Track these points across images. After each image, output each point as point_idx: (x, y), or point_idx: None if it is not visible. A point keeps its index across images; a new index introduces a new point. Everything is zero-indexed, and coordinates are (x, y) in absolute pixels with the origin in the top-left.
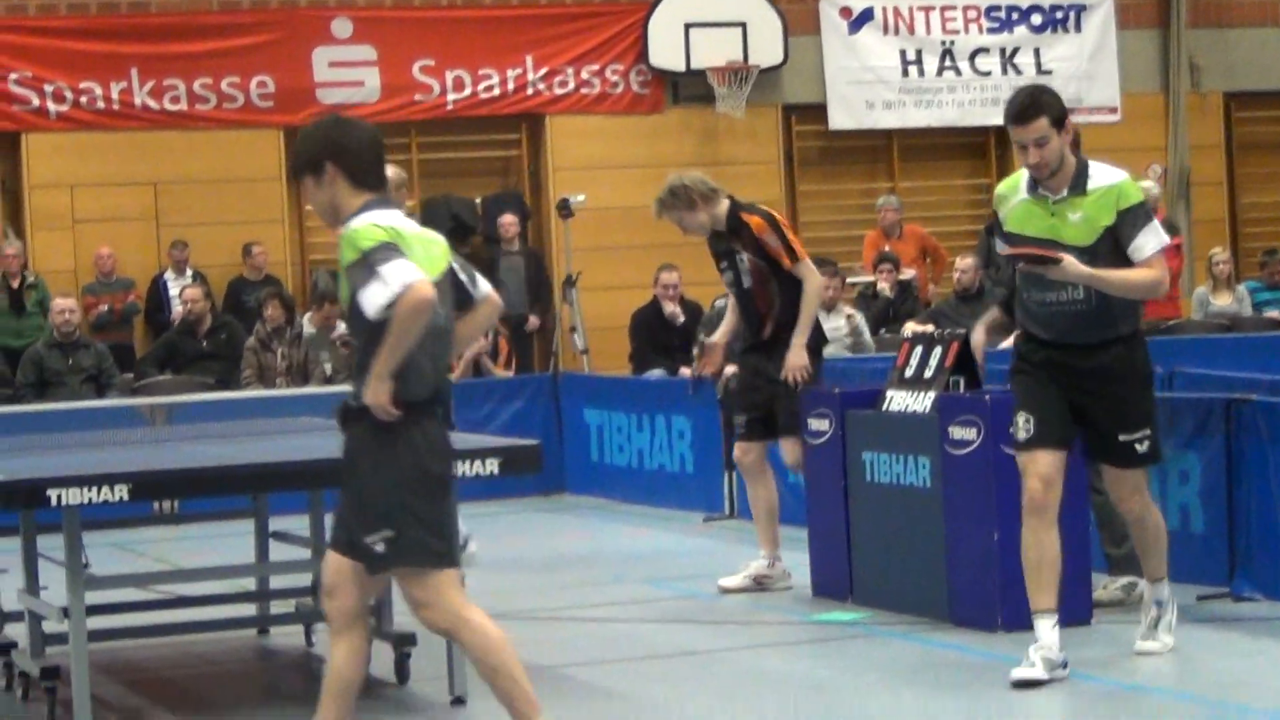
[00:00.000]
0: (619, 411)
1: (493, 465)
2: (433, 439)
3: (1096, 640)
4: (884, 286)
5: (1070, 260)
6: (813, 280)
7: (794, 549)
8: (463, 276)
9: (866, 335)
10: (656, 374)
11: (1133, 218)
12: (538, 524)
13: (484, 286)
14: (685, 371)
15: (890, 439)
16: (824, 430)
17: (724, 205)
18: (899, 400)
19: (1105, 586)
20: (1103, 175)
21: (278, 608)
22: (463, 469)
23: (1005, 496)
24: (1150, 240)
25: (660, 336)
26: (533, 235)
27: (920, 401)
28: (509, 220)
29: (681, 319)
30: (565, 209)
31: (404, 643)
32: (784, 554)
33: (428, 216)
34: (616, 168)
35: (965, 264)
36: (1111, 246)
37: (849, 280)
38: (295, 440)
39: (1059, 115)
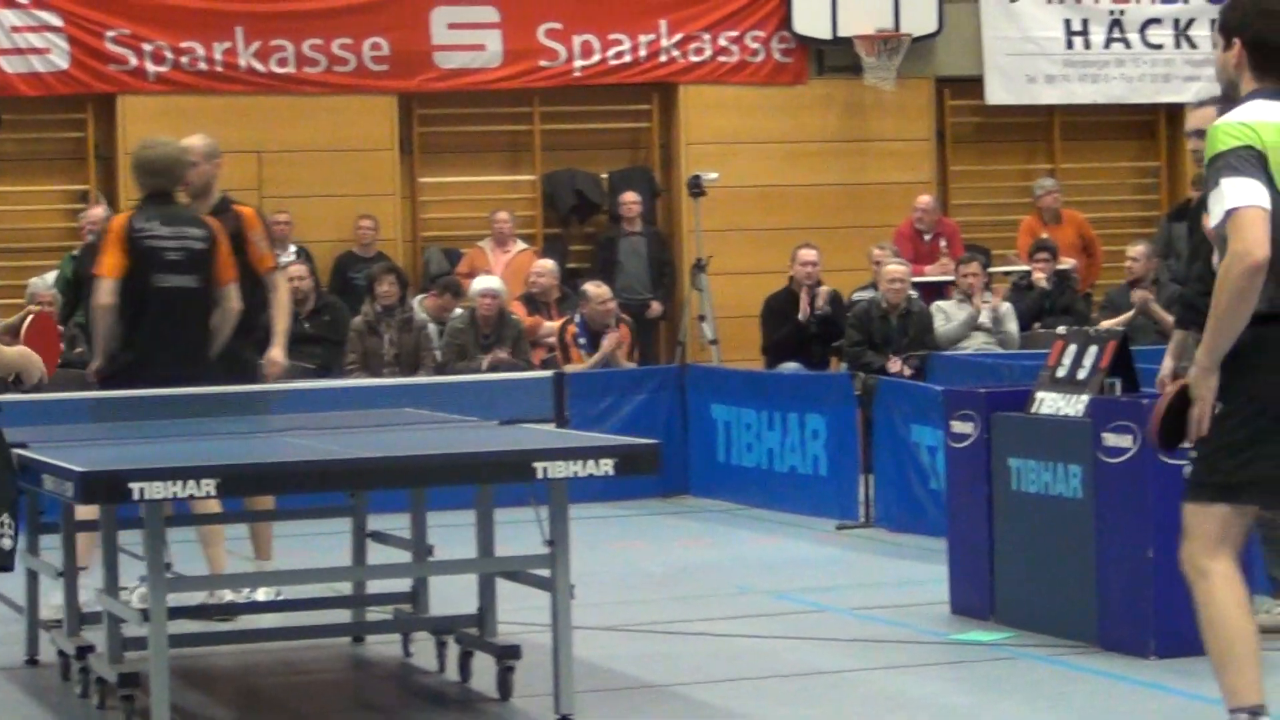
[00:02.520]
0: (748, 408)
1: (607, 466)
2: None
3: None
4: (1040, 277)
5: (1191, 382)
6: (285, 289)
7: (932, 561)
8: None
9: (1011, 325)
10: (790, 367)
11: (1212, 173)
12: (657, 529)
13: None
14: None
15: (1039, 444)
16: (967, 433)
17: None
18: (1049, 402)
19: (1269, 611)
20: None
21: (374, 614)
22: (574, 469)
23: (1162, 510)
24: (1214, 206)
25: (796, 325)
26: (662, 215)
27: (1073, 404)
28: (630, 198)
29: (821, 305)
30: (696, 187)
31: (507, 655)
32: (920, 565)
33: (550, 191)
34: (754, 143)
35: (1137, 251)
36: None
37: (1003, 270)
38: (398, 434)
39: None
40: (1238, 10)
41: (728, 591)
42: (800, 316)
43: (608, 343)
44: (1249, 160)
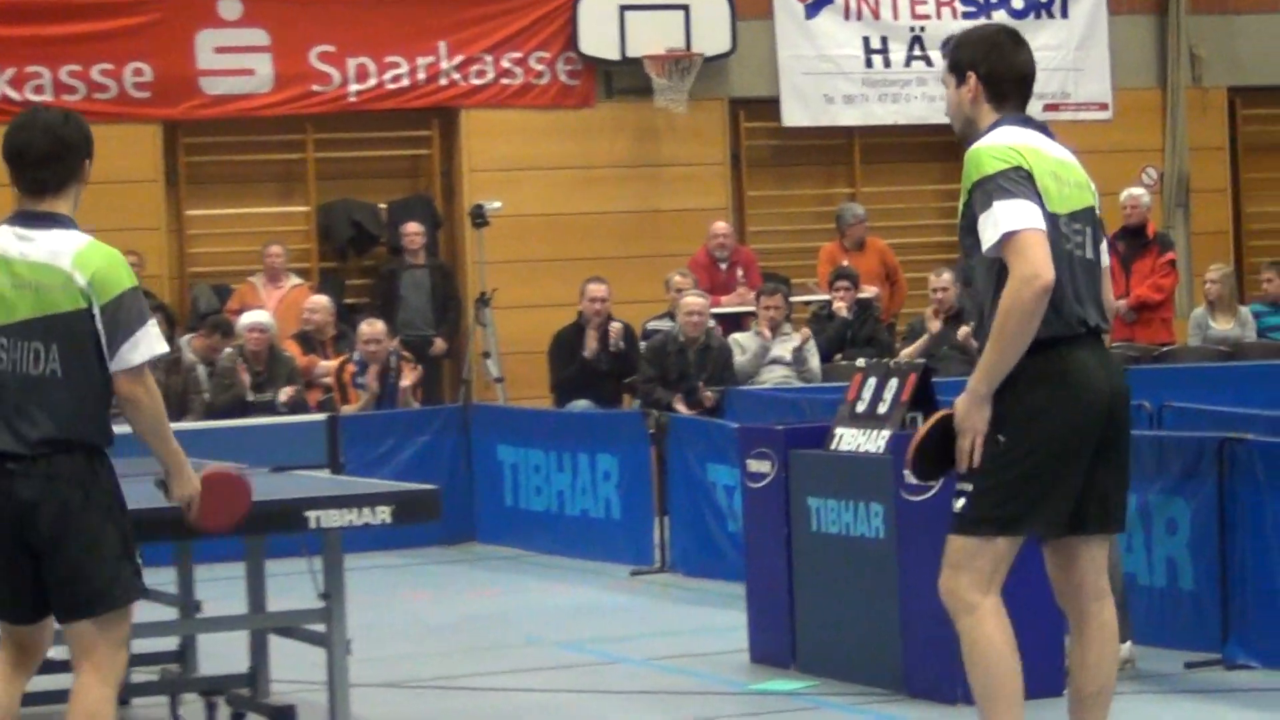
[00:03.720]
0: (536, 448)
1: (384, 513)
2: None
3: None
4: (841, 306)
5: (959, 412)
6: None
7: (731, 608)
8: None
9: (814, 361)
10: (581, 405)
11: (980, 196)
12: (440, 578)
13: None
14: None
15: (838, 483)
16: (765, 472)
17: None
18: (849, 439)
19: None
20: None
21: (140, 675)
22: (349, 518)
23: None
24: (986, 230)
25: (585, 362)
26: (444, 246)
27: (873, 440)
28: (413, 229)
29: (614, 342)
30: (479, 216)
31: (281, 716)
32: (718, 612)
33: (325, 223)
34: (540, 169)
35: (943, 280)
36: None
37: (803, 299)
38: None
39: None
40: (967, 47)
41: (515, 643)
42: (586, 354)
43: (407, 380)
44: (1020, 182)
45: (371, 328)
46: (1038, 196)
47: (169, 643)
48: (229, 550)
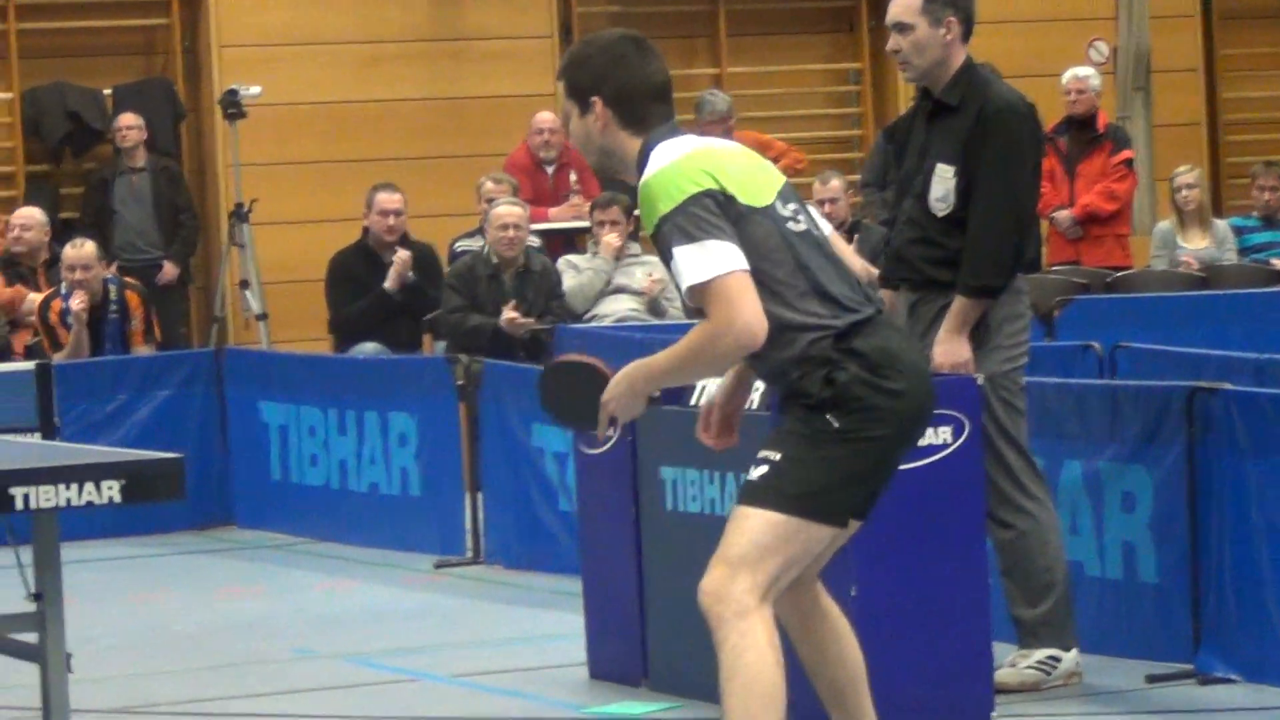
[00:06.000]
0: (311, 405)
1: (112, 490)
2: None
3: None
4: None
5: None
6: None
7: (565, 609)
8: None
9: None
10: (368, 349)
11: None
12: (188, 573)
13: None
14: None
15: (701, 449)
16: (605, 435)
17: None
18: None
19: (1013, 663)
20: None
21: None
22: (68, 496)
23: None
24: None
25: (373, 290)
26: (188, 144)
27: None
28: (128, 121)
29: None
30: (233, 106)
31: None
32: (546, 615)
33: (34, 115)
34: (312, 44)
35: (831, 189)
36: None
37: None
38: None
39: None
40: (586, 67)
41: (284, 656)
42: (387, 285)
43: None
44: (711, 212)
45: (77, 250)
46: (735, 219)
47: None
48: None
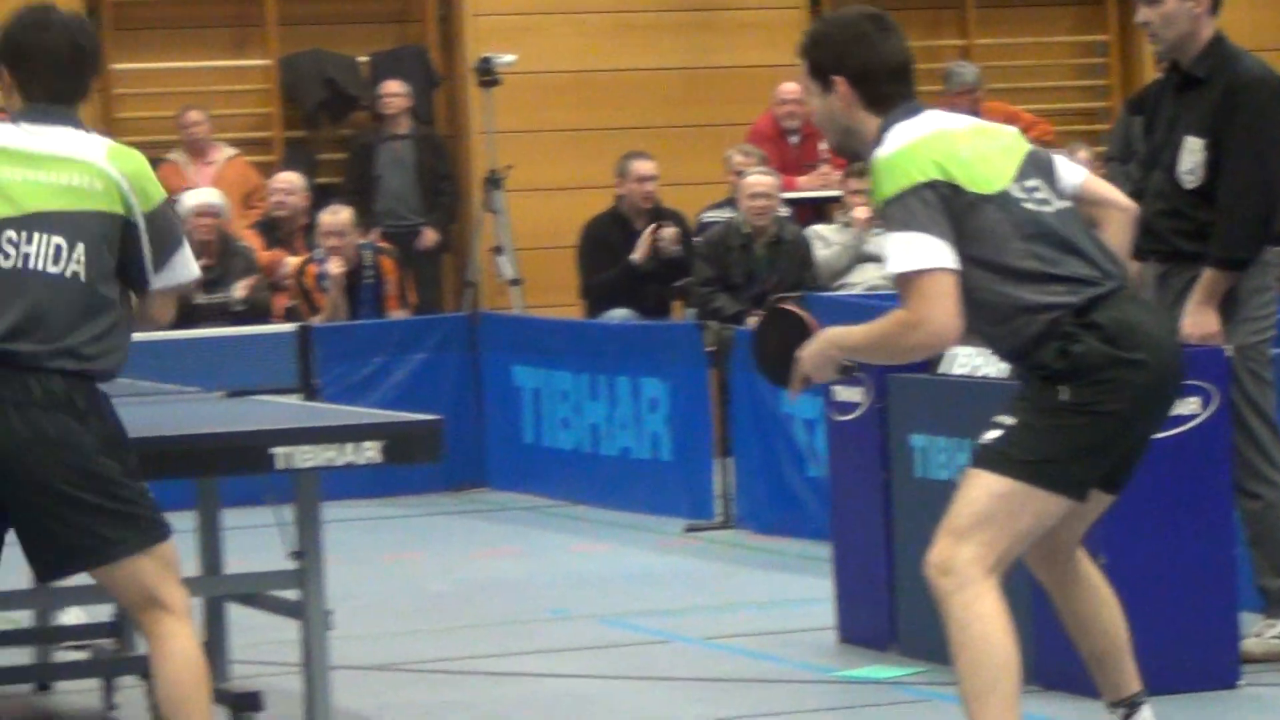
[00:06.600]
0: (564, 370)
1: (372, 451)
2: None
3: (1245, 711)
4: None
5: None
6: None
7: (813, 574)
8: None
9: None
10: (619, 315)
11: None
12: (443, 534)
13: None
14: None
15: (950, 416)
16: (856, 402)
17: None
18: (964, 359)
19: (1259, 633)
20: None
21: (66, 654)
22: (328, 456)
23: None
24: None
25: (624, 257)
26: (442, 112)
27: (995, 361)
28: (393, 89)
29: (667, 246)
30: (487, 74)
31: (244, 705)
32: (796, 579)
33: (291, 81)
34: (565, 13)
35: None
36: None
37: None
38: None
39: None
40: (827, 46)
41: (539, 617)
42: (636, 257)
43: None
44: (931, 205)
45: (333, 217)
46: (955, 214)
47: (102, 612)
48: (175, 497)
